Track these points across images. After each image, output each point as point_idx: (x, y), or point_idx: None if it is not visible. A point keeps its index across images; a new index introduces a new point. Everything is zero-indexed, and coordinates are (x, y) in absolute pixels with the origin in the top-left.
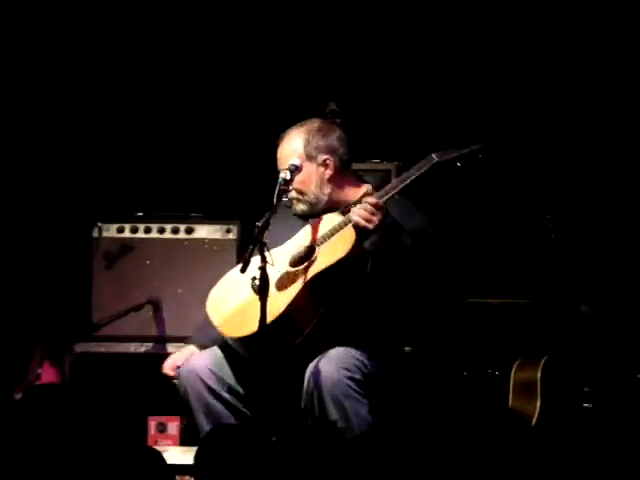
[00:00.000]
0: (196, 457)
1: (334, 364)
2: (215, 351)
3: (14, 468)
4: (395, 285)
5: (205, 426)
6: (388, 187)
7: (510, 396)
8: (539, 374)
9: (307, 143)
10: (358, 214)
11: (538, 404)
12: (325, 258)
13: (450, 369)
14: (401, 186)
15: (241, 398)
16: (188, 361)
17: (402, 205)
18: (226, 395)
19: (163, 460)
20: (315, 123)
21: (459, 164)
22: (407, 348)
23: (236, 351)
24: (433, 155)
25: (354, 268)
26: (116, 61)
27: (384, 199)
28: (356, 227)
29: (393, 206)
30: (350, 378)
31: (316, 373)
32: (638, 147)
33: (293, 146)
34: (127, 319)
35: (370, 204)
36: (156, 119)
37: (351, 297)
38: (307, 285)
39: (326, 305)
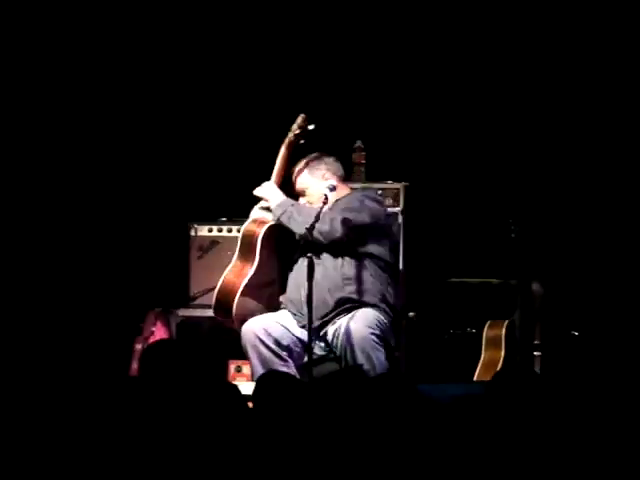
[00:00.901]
0: (254, 391)
1: (362, 323)
2: (267, 315)
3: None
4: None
5: (257, 367)
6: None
7: (483, 347)
8: (503, 331)
9: (312, 169)
10: None
11: (502, 353)
12: None
13: (441, 328)
14: (275, 168)
15: (283, 348)
16: (247, 322)
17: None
18: (272, 345)
19: (239, 391)
20: (315, 155)
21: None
22: (411, 314)
23: (280, 315)
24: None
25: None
26: (202, 83)
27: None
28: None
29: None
30: (373, 333)
31: (348, 330)
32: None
33: (305, 173)
34: (213, 293)
35: None
36: (234, 150)
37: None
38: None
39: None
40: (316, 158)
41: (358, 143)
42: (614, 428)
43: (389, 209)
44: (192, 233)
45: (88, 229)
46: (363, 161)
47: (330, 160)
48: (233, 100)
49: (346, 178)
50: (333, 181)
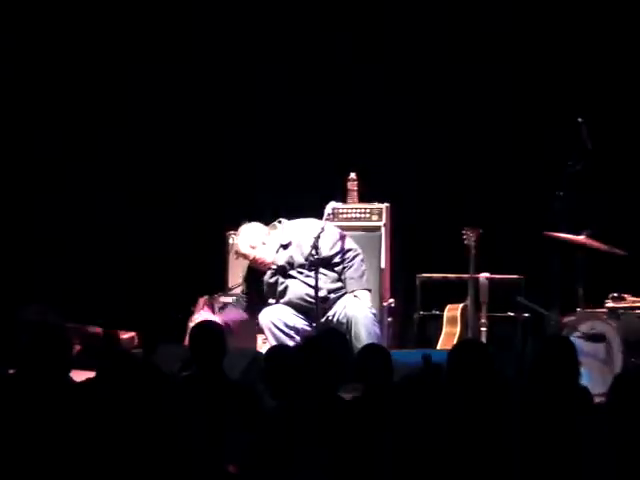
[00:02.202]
0: (265, 355)
1: (362, 305)
2: (280, 305)
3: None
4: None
5: (273, 341)
6: None
7: (444, 324)
8: (459, 312)
9: (252, 244)
10: None
11: (458, 328)
12: None
13: (413, 310)
14: None
15: (291, 327)
16: (264, 311)
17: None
18: (282, 327)
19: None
20: (244, 235)
21: None
22: (392, 300)
23: (289, 305)
24: None
25: None
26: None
27: None
28: None
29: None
30: (371, 312)
31: (353, 311)
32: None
33: (246, 243)
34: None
35: None
36: (260, 174)
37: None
38: None
39: None
40: (247, 234)
41: (352, 175)
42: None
43: (375, 223)
44: (230, 240)
45: (163, 242)
46: (356, 188)
47: (256, 226)
48: (261, 133)
49: (342, 200)
50: (333, 203)
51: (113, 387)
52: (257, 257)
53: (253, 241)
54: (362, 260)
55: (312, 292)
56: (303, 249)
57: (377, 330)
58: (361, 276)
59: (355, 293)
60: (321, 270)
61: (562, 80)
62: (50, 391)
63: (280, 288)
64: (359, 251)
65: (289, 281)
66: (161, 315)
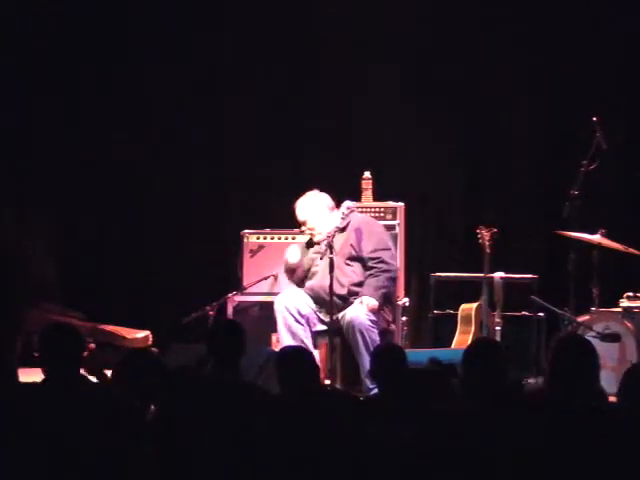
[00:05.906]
0: (278, 357)
1: (361, 311)
2: (293, 292)
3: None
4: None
5: (282, 327)
6: None
7: (458, 323)
8: (473, 312)
9: (323, 204)
10: None
11: (473, 328)
12: None
13: (427, 309)
14: None
15: (303, 316)
16: (279, 297)
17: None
18: (296, 315)
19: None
20: (312, 192)
21: None
22: (406, 299)
23: (304, 295)
24: None
25: None
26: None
27: None
28: None
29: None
30: (369, 319)
31: (351, 316)
32: None
33: (312, 209)
34: (260, 284)
35: None
36: (274, 176)
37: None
38: None
39: None
40: (307, 200)
41: (367, 174)
42: None
43: (390, 222)
44: (245, 240)
45: (179, 242)
46: (370, 187)
47: (320, 196)
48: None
49: (357, 199)
50: (348, 202)
51: (129, 386)
52: (309, 223)
53: (310, 207)
54: (389, 278)
55: (335, 285)
56: (353, 242)
57: (374, 336)
58: (377, 288)
59: (362, 299)
60: (354, 264)
61: (578, 79)
62: (64, 389)
63: (312, 269)
64: (393, 268)
65: (321, 267)
66: (176, 314)
